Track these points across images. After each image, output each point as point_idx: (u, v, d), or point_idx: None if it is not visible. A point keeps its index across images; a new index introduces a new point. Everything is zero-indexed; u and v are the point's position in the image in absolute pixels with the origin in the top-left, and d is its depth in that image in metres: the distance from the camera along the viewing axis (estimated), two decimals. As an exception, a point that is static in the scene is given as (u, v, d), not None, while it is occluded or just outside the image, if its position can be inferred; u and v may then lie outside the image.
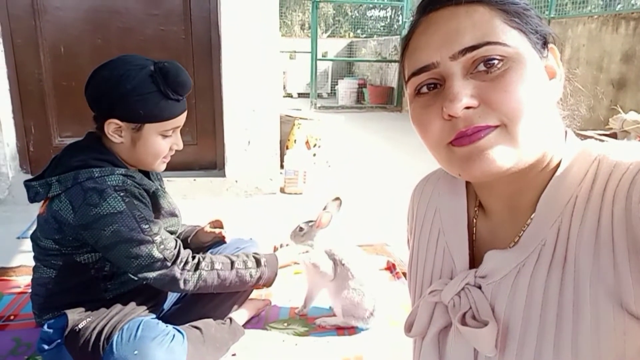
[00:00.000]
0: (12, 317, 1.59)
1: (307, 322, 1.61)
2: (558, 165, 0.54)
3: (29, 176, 2.91)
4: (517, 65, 0.50)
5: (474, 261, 0.62)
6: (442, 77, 0.53)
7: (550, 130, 0.53)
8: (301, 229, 1.55)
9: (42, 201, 1.21)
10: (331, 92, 10.25)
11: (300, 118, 3.65)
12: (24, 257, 2.09)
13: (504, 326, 0.53)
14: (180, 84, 1.19)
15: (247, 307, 1.57)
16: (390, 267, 2.01)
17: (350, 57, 11.10)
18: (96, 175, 1.14)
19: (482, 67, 0.50)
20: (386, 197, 3.15)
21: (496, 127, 0.50)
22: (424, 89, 0.55)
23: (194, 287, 1.23)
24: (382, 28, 13.38)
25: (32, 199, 1.18)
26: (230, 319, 1.46)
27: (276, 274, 1.37)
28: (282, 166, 3.23)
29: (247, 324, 1.57)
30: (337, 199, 1.58)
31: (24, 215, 2.57)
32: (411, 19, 0.58)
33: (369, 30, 12.93)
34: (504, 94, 0.49)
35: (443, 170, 0.66)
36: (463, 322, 0.55)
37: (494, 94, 0.49)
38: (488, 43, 0.50)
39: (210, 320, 1.38)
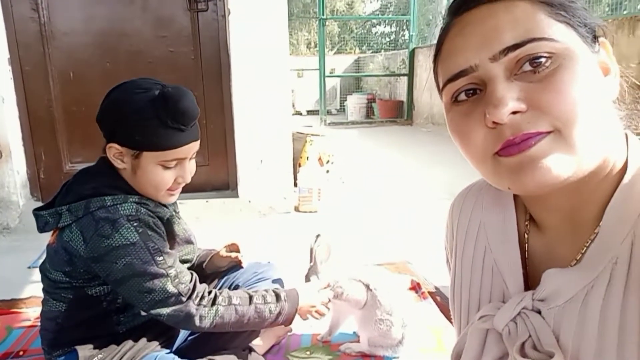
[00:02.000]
0: (21, 353, 1.51)
1: (330, 349, 1.51)
2: (622, 172, 0.48)
3: (40, 204, 2.89)
4: (568, 62, 0.44)
5: (528, 282, 0.55)
6: (483, 81, 0.47)
7: (610, 132, 0.47)
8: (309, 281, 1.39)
9: (52, 231, 1.14)
10: (340, 108, 10.24)
11: (312, 134, 3.59)
12: (35, 288, 2.03)
13: (572, 357, 0.46)
14: (180, 112, 1.07)
15: (267, 335, 1.48)
16: (415, 287, 1.90)
17: (358, 72, 11.11)
18: (108, 204, 1.08)
19: (528, 67, 0.44)
20: (404, 212, 3.06)
21: (548, 133, 0.43)
22: (462, 96, 0.49)
23: (210, 324, 1.13)
24: (387, 44, 13.41)
25: (42, 228, 1.12)
26: (250, 349, 1.38)
27: (297, 310, 1.25)
28: (295, 184, 3.16)
29: (267, 354, 1.48)
30: (318, 235, 1.46)
31: (35, 243, 2.51)
32: (444, 21, 0.53)
33: (375, 46, 12.96)
34: (556, 95, 0.43)
35: (485, 181, 0.59)
36: (522, 354, 0.48)
37: (544, 95, 0.43)
38: (532, 39, 0.44)
39: (229, 353, 1.29)
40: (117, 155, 1.12)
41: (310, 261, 1.42)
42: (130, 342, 1.17)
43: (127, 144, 1.10)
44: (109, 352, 1.14)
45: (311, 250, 1.42)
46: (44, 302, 1.19)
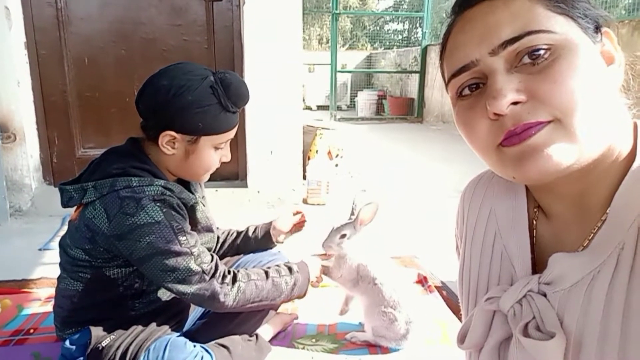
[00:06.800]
0: (31, 331, 1.54)
1: (336, 338, 1.52)
2: (630, 159, 0.48)
3: (52, 188, 2.91)
4: (566, 52, 0.45)
5: (536, 266, 0.56)
6: (484, 75, 0.49)
7: (614, 120, 0.47)
8: (343, 235, 1.42)
9: (75, 207, 1.15)
10: (350, 104, 10.22)
11: (322, 128, 3.60)
12: (46, 269, 2.06)
13: (575, 340, 0.47)
14: (241, 97, 1.15)
15: (274, 322, 1.49)
16: (422, 281, 1.91)
17: (369, 69, 11.08)
18: (134, 184, 1.08)
19: (527, 60, 0.46)
20: (412, 207, 3.05)
21: (548, 122, 0.44)
22: (466, 91, 0.51)
23: (234, 301, 1.16)
24: (400, 41, 13.34)
25: (65, 203, 1.12)
26: (257, 335, 1.39)
27: (309, 281, 1.32)
28: (304, 177, 3.17)
29: (274, 340, 1.49)
30: (364, 190, 1.51)
31: (46, 226, 2.55)
32: (448, 20, 0.55)
33: (387, 43, 12.90)
34: (554, 85, 0.44)
35: None
36: (525, 334, 0.49)
37: (543, 86, 0.45)
38: (530, 32, 0.45)
39: (237, 337, 1.31)
40: (169, 142, 1.14)
41: (351, 216, 1.44)
42: (143, 323, 1.18)
43: (185, 131, 1.12)
44: (121, 334, 1.15)
45: (354, 205, 1.45)
46: (59, 279, 1.19)
